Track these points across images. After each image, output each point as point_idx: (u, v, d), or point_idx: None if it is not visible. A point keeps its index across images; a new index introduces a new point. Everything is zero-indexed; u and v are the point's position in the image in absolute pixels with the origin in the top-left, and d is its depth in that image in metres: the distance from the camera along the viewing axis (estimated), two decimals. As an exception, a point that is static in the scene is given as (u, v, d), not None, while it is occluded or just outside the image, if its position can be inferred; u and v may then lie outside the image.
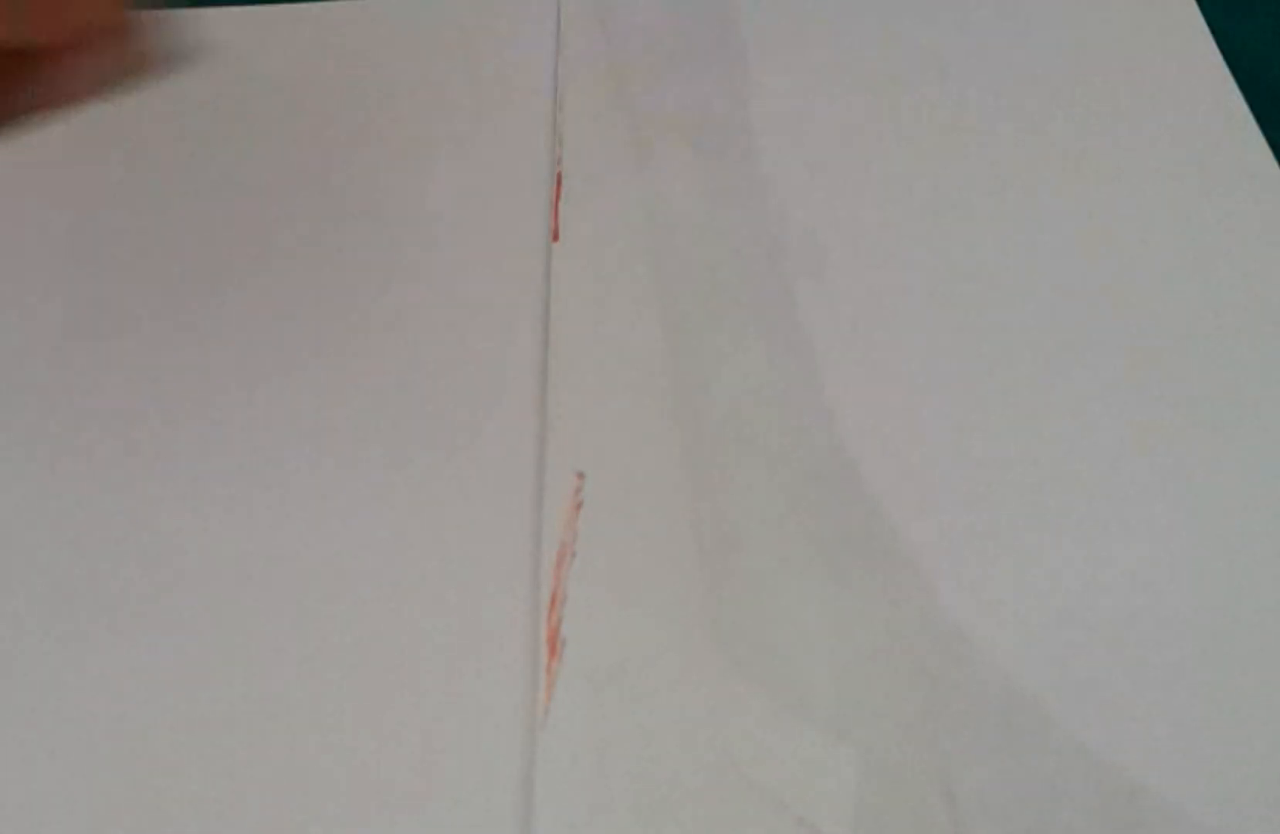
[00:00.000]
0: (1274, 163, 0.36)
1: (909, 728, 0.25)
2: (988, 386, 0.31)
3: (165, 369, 0.31)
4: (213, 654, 0.27)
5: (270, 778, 0.25)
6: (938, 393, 0.31)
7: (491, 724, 0.26)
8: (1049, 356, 0.31)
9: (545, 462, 0.29)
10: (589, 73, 0.38)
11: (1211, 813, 0.24)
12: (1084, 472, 0.29)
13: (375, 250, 0.34)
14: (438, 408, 0.30)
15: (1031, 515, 0.29)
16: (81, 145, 0.36)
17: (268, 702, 0.26)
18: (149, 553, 0.28)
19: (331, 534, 0.28)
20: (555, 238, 0.34)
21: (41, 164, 0.36)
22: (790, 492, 0.29)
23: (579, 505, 0.28)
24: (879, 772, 0.25)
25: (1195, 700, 0.26)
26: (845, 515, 0.29)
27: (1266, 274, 0.33)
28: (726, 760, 0.25)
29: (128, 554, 0.28)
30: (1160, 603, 0.27)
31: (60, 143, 0.36)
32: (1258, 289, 0.33)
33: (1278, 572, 0.28)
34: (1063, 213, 0.35)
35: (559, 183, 0.35)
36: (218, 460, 0.30)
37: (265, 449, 0.30)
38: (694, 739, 0.25)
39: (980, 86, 0.38)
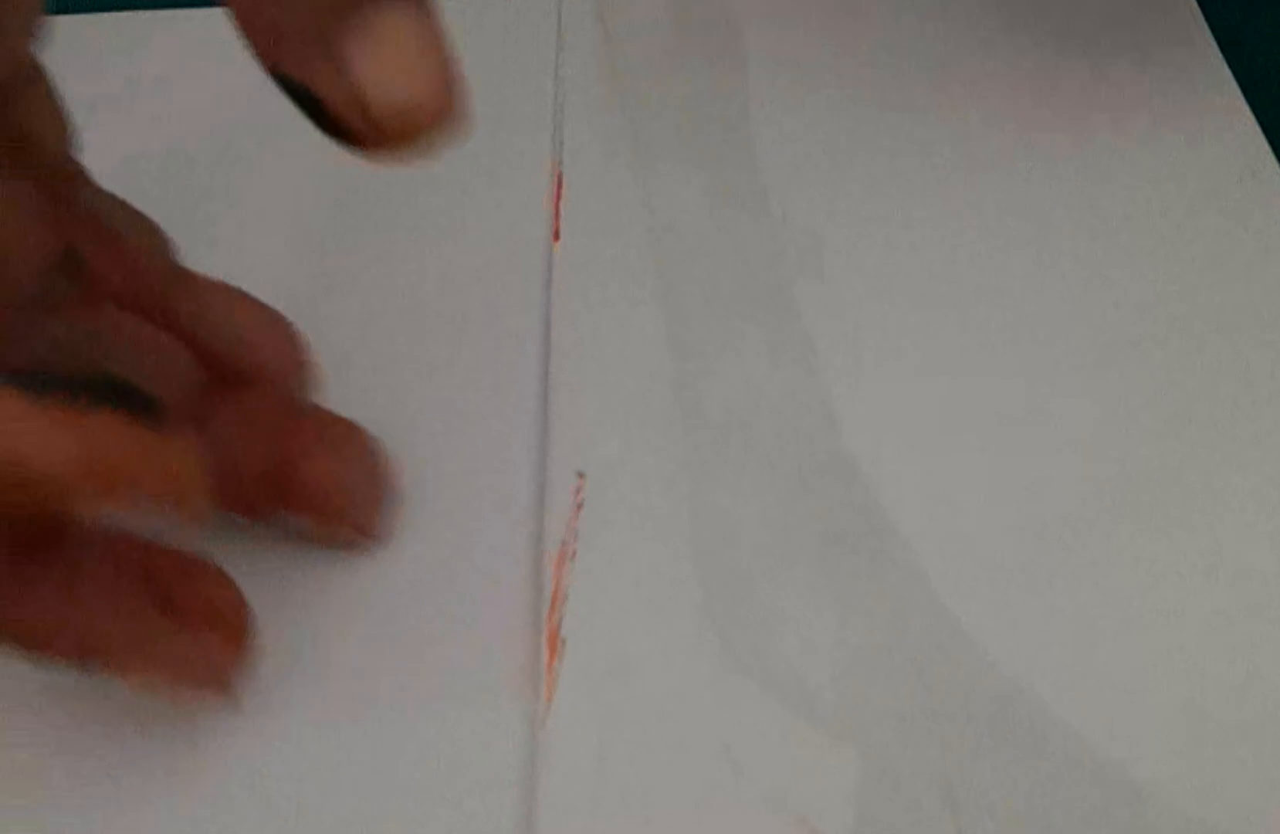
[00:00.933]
0: (1274, 163, 0.36)
1: (910, 728, 0.25)
2: (989, 387, 0.31)
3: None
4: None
5: (269, 778, 0.25)
6: (939, 393, 0.31)
7: (492, 724, 0.26)
8: (1051, 356, 0.31)
9: (547, 462, 0.29)
10: (589, 73, 0.38)
11: (1216, 813, 0.24)
12: (1088, 472, 0.29)
13: (374, 251, 0.34)
14: (438, 408, 0.30)
15: (1033, 515, 0.29)
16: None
17: (269, 703, 0.26)
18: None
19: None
20: (555, 238, 0.34)
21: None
22: (791, 492, 0.29)
23: (580, 505, 0.28)
24: (880, 772, 0.25)
25: (1200, 699, 0.26)
26: (846, 515, 0.29)
27: (1267, 274, 0.33)
28: (728, 760, 0.25)
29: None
30: (1163, 602, 0.27)
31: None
32: (1258, 290, 0.33)
33: None
34: (1062, 212, 0.34)
35: (559, 183, 0.35)
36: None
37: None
38: (696, 739, 0.25)
39: (980, 85, 0.38)
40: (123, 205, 0.27)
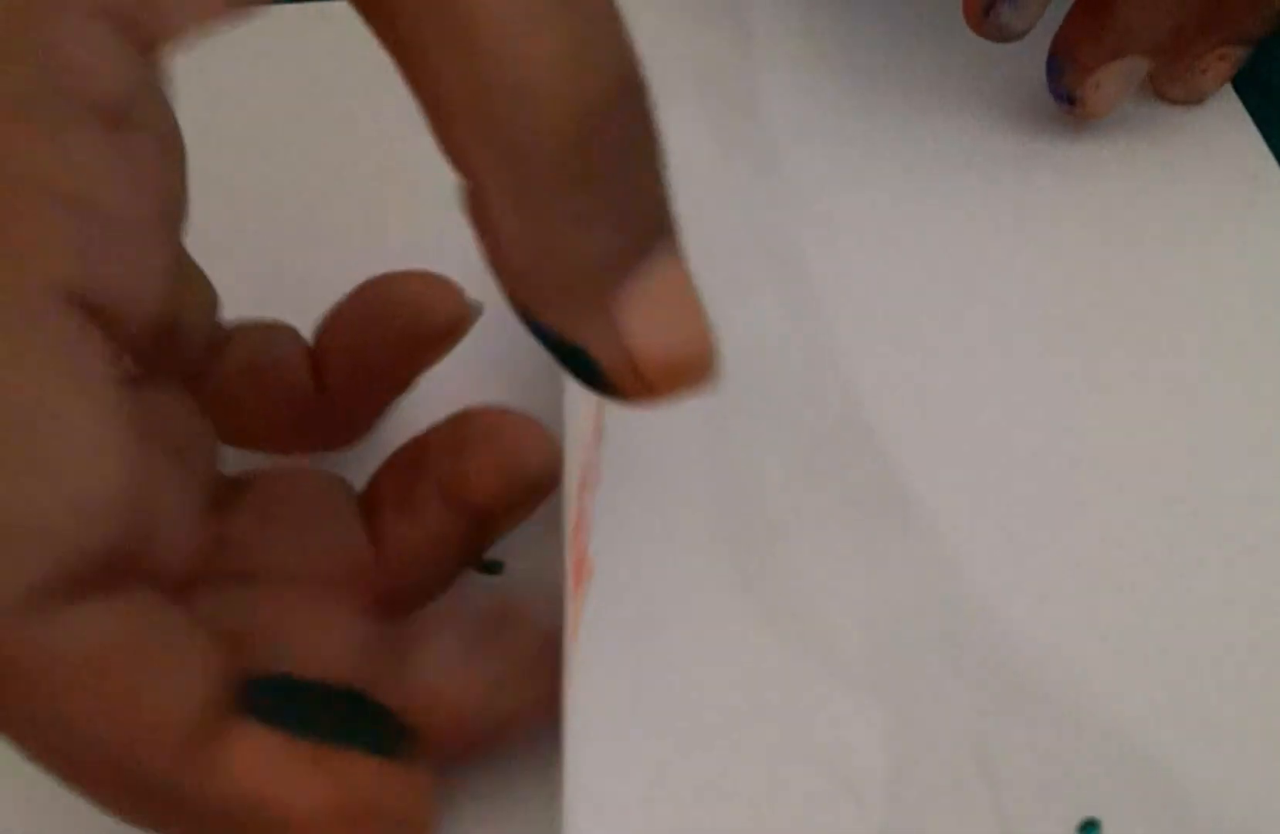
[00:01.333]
0: (1274, 163, 0.36)
1: (941, 688, 0.24)
2: (1009, 348, 0.30)
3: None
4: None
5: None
6: (962, 355, 0.30)
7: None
8: (1071, 319, 0.31)
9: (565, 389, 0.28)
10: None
11: (1245, 775, 0.23)
12: (1115, 433, 0.29)
13: (376, 250, 0.32)
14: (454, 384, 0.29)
15: (1058, 477, 0.28)
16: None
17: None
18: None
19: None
20: None
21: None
22: (812, 447, 0.28)
23: (599, 430, 0.27)
24: (911, 730, 0.23)
25: (1233, 665, 0.25)
26: (870, 475, 0.27)
27: (1267, 275, 0.33)
28: (756, 704, 0.23)
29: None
30: (1195, 561, 0.26)
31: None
32: (1258, 290, 0.32)
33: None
34: (1059, 206, 0.34)
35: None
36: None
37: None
38: (723, 687, 0.24)
39: (981, 80, 0.38)
40: (253, 331, 0.26)
